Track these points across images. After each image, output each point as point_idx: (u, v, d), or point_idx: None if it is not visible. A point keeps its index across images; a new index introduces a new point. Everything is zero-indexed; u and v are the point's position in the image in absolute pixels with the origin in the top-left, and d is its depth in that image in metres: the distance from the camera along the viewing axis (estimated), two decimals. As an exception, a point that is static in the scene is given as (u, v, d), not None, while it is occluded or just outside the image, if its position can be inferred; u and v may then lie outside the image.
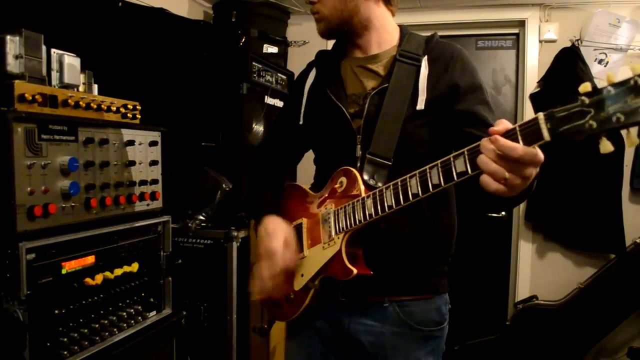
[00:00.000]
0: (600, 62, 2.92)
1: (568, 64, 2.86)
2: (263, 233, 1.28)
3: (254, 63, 2.66)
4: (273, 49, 2.96)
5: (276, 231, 1.25)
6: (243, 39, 2.78)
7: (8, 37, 1.44)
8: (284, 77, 3.01)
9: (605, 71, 2.91)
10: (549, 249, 3.11)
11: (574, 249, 3.04)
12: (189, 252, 2.43)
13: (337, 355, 1.31)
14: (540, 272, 3.11)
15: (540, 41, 3.05)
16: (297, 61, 3.19)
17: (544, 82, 2.94)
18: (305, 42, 3.27)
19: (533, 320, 2.93)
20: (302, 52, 3.26)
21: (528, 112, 3.04)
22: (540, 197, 2.88)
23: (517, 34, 3.22)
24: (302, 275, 1.25)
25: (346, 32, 1.27)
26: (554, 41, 3.01)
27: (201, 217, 2.50)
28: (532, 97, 2.99)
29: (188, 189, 2.50)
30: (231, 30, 2.81)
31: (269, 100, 2.78)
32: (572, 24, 2.96)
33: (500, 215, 3.20)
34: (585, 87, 0.73)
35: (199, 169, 2.53)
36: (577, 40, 2.89)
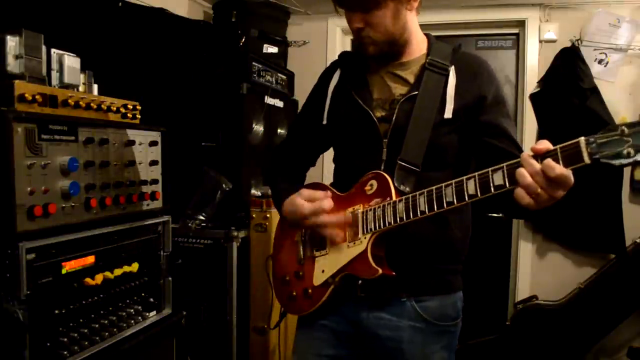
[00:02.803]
0: (600, 62, 2.92)
1: (568, 64, 2.86)
2: (289, 212, 1.31)
3: (254, 63, 2.67)
4: (273, 49, 2.96)
5: (295, 200, 1.28)
6: (243, 39, 2.78)
7: (8, 37, 1.44)
8: (284, 77, 3.01)
9: (605, 71, 2.91)
10: (549, 249, 3.10)
11: (574, 249, 3.04)
12: (189, 252, 2.43)
13: (350, 349, 1.33)
14: (540, 272, 3.11)
15: (540, 41, 3.05)
16: (297, 61, 3.19)
17: (544, 82, 2.94)
18: (305, 42, 3.26)
19: (533, 320, 2.92)
20: (302, 52, 3.26)
21: (528, 112, 3.04)
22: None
23: (517, 34, 3.21)
24: (322, 272, 1.28)
25: (393, 50, 1.28)
26: (554, 41, 3.01)
27: (201, 217, 2.50)
28: (532, 97, 2.99)
29: (188, 189, 2.50)
30: (231, 30, 2.81)
31: (269, 100, 2.78)
32: (572, 24, 2.96)
33: (500, 215, 3.20)
34: (624, 118, 0.83)
35: (199, 169, 2.53)
36: (577, 40, 2.89)
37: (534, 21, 3.05)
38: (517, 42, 3.22)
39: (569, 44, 2.91)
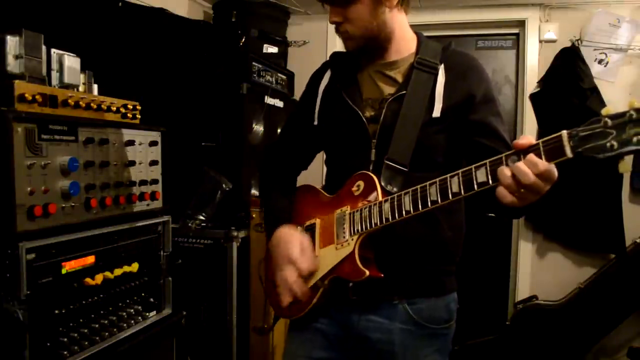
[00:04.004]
0: (600, 62, 2.92)
1: (568, 64, 2.86)
2: (278, 241, 1.30)
3: (254, 63, 2.66)
4: (273, 49, 2.96)
5: (292, 238, 1.27)
6: (243, 39, 2.78)
7: (8, 37, 1.44)
8: (284, 77, 3.01)
9: (605, 71, 2.91)
10: (549, 249, 3.10)
11: (574, 249, 3.04)
12: (189, 252, 2.43)
13: (341, 352, 1.32)
14: (540, 272, 3.11)
15: (540, 41, 3.05)
16: (297, 61, 3.19)
17: (543, 82, 2.94)
18: (305, 42, 3.27)
19: (533, 320, 2.93)
20: (302, 52, 3.27)
21: (528, 112, 3.04)
22: (541, 197, 2.88)
23: (517, 34, 3.22)
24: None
25: (373, 46, 1.27)
26: (554, 41, 3.01)
27: (201, 217, 2.50)
28: (532, 97, 2.99)
29: (188, 189, 2.50)
30: (231, 30, 2.81)
31: (269, 100, 2.78)
32: (572, 24, 2.96)
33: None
34: (608, 110, 0.80)
35: (199, 169, 2.53)
36: (577, 40, 2.90)
37: (534, 21, 3.05)
38: (517, 42, 3.22)
39: (569, 44, 2.91)
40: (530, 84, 3.05)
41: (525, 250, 3.14)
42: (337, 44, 3.35)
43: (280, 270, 1.27)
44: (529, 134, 3.02)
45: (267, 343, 2.51)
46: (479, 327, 3.03)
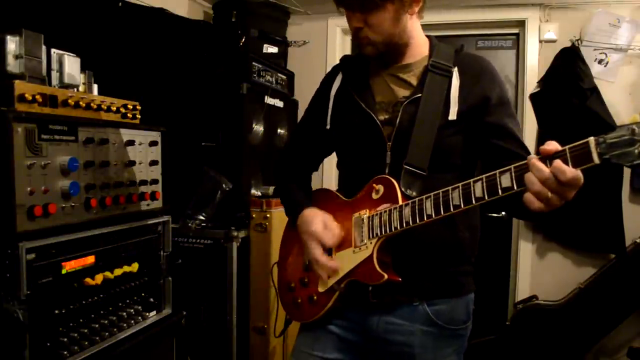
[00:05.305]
0: (600, 62, 2.92)
1: (568, 64, 2.86)
2: (301, 223, 1.31)
3: (254, 63, 2.67)
4: (273, 49, 2.96)
5: (314, 217, 1.29)
6: (243, 39, 2.78)
7: (8, 37, 1.44)
8: (284, 77, 3.01)
9: (605, 71, 2.91)
10: (549, 249, 3.10)
11: (574, 249, 3.04)
12: (189, 252, 2.43)
13: (355, 355, 1.32)
14: (540, 272, 3.10)
15: (540, 41, 3.05)
16: (297, 61, 3.19)
17: (544, 82, 2.94)
18: (305, 42, 3.27)
19: (533, 320, 2.92)
20: (302, 52, 3.27)
21: (528, 112, 3.04)
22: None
23: (517, 34, 3.21)
24: (327, 278, 1.26)
25: (392, 51, 1.28)
26: (554, 41, 3.01)
27: (201, 217, 2.50)
28: (532, 97, 2.99)
29: (188, 189, 2.50)
30: (231, 30, 2.81)
31: (269, 100, 2.78)
32: (572, 24, 2.96)
33: (500, 215, 3.20)
34: (635, 117, 0.81)
35: (199, 169, 2.53)
36: (577, 40, 2.89)
37: (534, 21, 3.05)
38: (517, 42, 3.22)
39: (569, 44, 2.91)
40: (530, 84, 3.04)
41: (525, 250, 3.14)
42: (337, 44, 3.36)
43: (307, 249, 1.28)
44: (529, 134, 3.03)
45: (267, 343, 2.51)
46: (479, 327, 3.02)
